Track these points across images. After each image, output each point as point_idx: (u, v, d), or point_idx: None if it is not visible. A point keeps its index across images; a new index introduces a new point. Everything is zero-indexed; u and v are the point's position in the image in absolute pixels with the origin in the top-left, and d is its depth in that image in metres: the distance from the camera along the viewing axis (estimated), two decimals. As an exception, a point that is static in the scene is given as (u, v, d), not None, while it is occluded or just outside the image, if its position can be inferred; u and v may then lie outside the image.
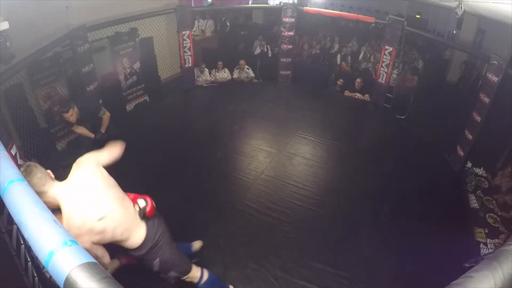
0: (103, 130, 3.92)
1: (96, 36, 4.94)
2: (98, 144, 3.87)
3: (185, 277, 2.40)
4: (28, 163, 1.81)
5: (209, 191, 3.94)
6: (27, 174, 1.72)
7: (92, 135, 3.88)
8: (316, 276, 3.01)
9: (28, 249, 2.01)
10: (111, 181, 2.04)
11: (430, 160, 4.81)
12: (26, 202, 1.31)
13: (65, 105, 3.59)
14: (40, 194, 1.66)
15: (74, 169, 1.94)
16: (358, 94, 6.51)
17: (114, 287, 1.04)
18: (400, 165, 4.60)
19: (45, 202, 1.58)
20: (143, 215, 2.10)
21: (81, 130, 3.83)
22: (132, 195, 2.18)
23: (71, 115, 3.58)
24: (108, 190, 1.97)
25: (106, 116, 3.93)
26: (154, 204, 2.19)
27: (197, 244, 3.00)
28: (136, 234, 2.06)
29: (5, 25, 2.91)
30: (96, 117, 3.90)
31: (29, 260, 2.06)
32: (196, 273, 2.44)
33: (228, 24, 8.53)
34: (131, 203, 2.11)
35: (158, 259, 2.19)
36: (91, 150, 2.16)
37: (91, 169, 1.96)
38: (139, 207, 2.11)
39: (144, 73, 5.86)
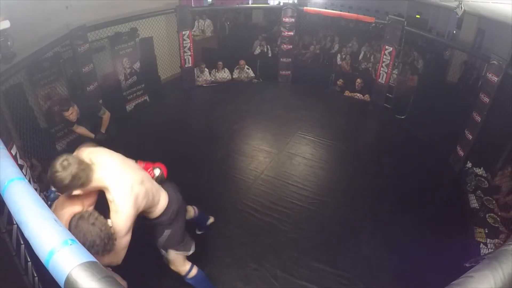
0: (103, 130, 3.93)
1: (96, 36, 4.94)
2: (98, 144, 3.89)
3: (173, 266, 2.44)
4: (65, 156, 1.68)
5: (209, 191, 3.94)
6: (67, 168, 1.63)
7: (92, 136, 3.88)
8: (316, 276, 3.01)
9: (28, 248, 2.01)
10: (115, 153, 2.03)
11: (430, 160, 4.81)
12: (26, 201, 1.31)
13: (65, 103, 3.60)
14: (87, 182, 1.69)
15: (90, 153, 1.86)
16: (358, 94, 6.51)
17: (114, 286, 1.04)
18: (400, 165, 4.60)
19: (90, 188, 1.72)
20: (161, 179, 2.24)
21: (81, 130, 3.83)
22: (143, 163, 2.31)
23: (71, 113, 3.59)
24: (127, 161, 2.02)
25: (106, 115, 3.93)
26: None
27: (211, 219, 3.31)
28: (161, 198, 2.13)
29: (6, 24, 2.92)
30: (96, 117, 3.90)
31: (29, 260, 2.06)
32: (185, 266, 2.46)
33: (227, 24, 8.52)
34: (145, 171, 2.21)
35: (170, 230, 2.27)
36: None
37: (103, 149, 1.97)
38: (155, 174, 2.27)
39: (144, 73, 5.86)
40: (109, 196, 1.79)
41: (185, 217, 2.48)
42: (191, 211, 2.96)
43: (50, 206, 1.90)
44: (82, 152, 1.87)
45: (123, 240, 1.79)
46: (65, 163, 1.63)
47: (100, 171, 1.77)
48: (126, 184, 1.81)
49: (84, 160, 1.73)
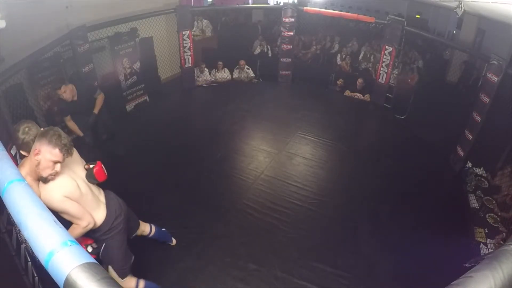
0: (96, 111, 3.89)
1: (96, 36, 4.94)
2: (91, 125, 3.92)
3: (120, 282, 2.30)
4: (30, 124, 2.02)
5: (209, 191, 3.94)
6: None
7: (81, 134, 3.86)
8: (316, 276, 3.00)
9: (28, 249, 2.01)
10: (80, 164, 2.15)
11: (430, 160, 4.80)
12: (25, 202, 1.31)
13: (58, 81, 3.56)
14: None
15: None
16: (358, 94, 6.50)
17: (114, 287, 1.04)
18: (400, 165, 4.60)
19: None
20: (91, 175, 2.12)
21: (72, 125, 3.79)
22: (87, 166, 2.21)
23: (64, 91, 3.55)
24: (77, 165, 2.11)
25: (100, 97, 3.91)
26: (104, 168, 2.20)
27: (173, 242, 3.13)
28: (96, 215, 2.10)
29: (1, 24, 2.91)
30: (92, 101, 3.87)
31: (29, 260, 2.06)
32: (131, 284, 2.37)
33: (223, 20, 8.48)
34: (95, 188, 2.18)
35: (104, 245, 2.19)
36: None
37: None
38: (89, 167, 2.14)
39: (144, 73, 5.86)
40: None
41: (125, 243, 2.33)
42: (146, 228, 2.77)
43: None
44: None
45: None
46: (27, 129, 1.98)
47: None
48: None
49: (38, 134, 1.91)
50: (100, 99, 3.92)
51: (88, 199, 2.06)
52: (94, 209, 2.09)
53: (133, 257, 2.40)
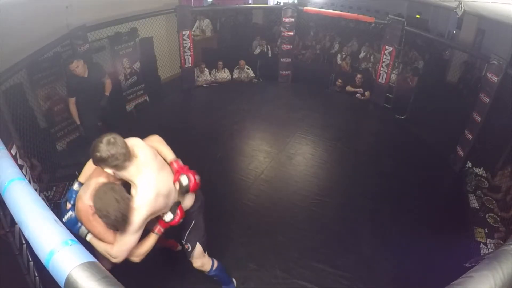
0: (107, 93, 4.06)
1: (96, 36, 4.94)
2: (103, 108, 4.09)
3: (199, 263, 2.47)
4: (115, 135, 1.74)
5: (209, 191, 3.91)
6: (111, 145, 1.68)
7: (78, 122, 3.96)
8: (316, 276, 3.01)
9: (30, 248, 2.02)
10: (159, 156, 2.04)
11: (430, 160, 4.81)
12: (26, 201, 1.31)
13: (70, 57, 3.73)
14: (121, 168, 1.74)
15: (135, 145, 1.88)
16: (359, 89, 6.45)
17: (114, 286, 1.04)
18: (400, 165, 4.60)
19: (120, 175, 1.78)
20: (186, 190, 2.10)
21: (73, 109, 3.84)
22: (177, 165, 2.11)
23: (77, 66, 3.68)
24: (164, 167, 2.01)
25: (109, 81, 4.08)
26: (197, 179, 2.13)
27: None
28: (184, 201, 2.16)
29: None
30: (100, 84, 4.02)
31: (30, 259, 2.07)
32: (209, 258, 2.55)
33: (223, 20, 8.50)
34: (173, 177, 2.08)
35: (194, 221, 2.32)
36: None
37: (149, 147, 1.98)
38: (181, 184, 2.07)
39: (144, 73, 5.85)
40: (133, 191, 1.81)
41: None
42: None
43: (71, 205, 1.94)
44: (130, 140, 1.89)
45: (128, 237, 1.79)
46: (112, 140, 1.70)
47: (136, 167, 1.80)
48: (153, 191, 1.82)
49: (127, 147, 1.76)
50: (109, 83, 4.07)
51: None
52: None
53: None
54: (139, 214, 1.76)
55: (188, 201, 2.23)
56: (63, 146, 4.61)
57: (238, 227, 3.47)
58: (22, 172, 1.65)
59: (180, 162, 2.13)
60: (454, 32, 8.49)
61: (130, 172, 1.78)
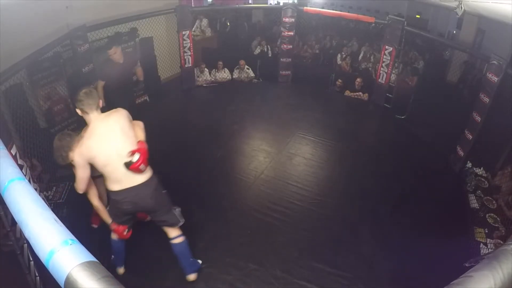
0: (141, 79, 4.48)
1: (96, 36, 4.94)
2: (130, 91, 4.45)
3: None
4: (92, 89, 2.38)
5: (209, 191, 3.94)
6: (85, 94, 2.21)
7: (102, 104, 4.09)
8: (316, 276, 3.00)
9: (30, 248, 2.02)
10: (130, 136, 2.33)
11: (430, 160, 4.81)
12: (26, 201, 1.31)
13: (110, 43, 4.03)
14: (84, 113, 2.23)
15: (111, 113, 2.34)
16: (358, 93, 6.47)
17: (114, 286, 1.04)
18: (400, 165, 4.60)
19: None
20: (128, 165, 2.26)
21: (100, 90, 3.95)
22: (139, 146, 2.34)
23: (115, 52, 3.87)
24: (123, 136, 2.29)
25: (140, 69, 4.43)
26: (143, 161, 2.29)
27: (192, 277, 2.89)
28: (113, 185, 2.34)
29: None
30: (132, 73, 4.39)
31: (31, 259, 2.07)
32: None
33: (228, 24, 8.52)
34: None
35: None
36: None
37: (121, 118, 2.33)
38: (131, 160, 2.27)
39: (144, 73, 5.84)
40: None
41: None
42: (173, 233, 2.80)
43: None
44: (119, 110, 2.41)
45: (77, 172, 2.31)
46: (88, 91, 2.26)
47: (92, 120, 2.26)
48: (86, 143, 2.23)
49: (96, 102, 2.27)
50: (140, 70, 4.39)
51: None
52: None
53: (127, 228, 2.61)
54: (76, 155, 2.26)
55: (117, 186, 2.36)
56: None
57: (238, 227, 3.47)
58: (22, 172, 1.65)
59: (144, 145, 2.38)
60: (454, 32, 8.49)
61: (87, 120, 2.27)
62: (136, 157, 2.24)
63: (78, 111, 2.24)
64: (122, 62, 4.03)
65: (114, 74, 3.97)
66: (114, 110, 2.38)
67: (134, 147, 2.28)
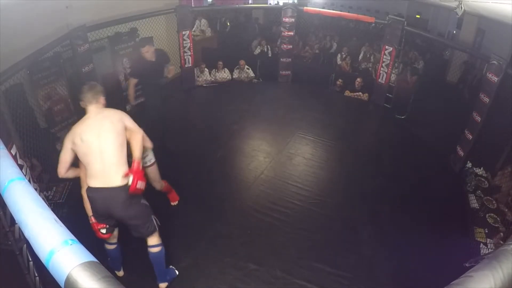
0: (169, 75, 4.38)
1: (96, 36, 4.94)
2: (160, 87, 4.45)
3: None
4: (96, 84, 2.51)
5: (209, 191, 3.94)
6: (88, 86, 2.42)
7: (132, 101, 4.39)
8: (316, 276, 3.00)
9: (30, 248, 2.02)
10: (119, 137, 2.32)
11: (430, 160, 4.81)
12: (26, 201, 1.31)
13: (143, 42, 4.10)
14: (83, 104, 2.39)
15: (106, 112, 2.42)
16: (358, 93, 6.47)
17: (114, 286, 1.04)
18: (400, 165, 4.60)
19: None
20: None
21: (132, 88, 4.13)
22: (134, 166, 2.31)
23: (147, 51, 3.89)
24: (113, 134, 2.30)
25: (172, 66, 4.42)
26: (139, 185, 2.28)
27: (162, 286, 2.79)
28: (93, 177, 2.29)
29: None
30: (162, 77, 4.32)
31: (30, 259, 2.07)
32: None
33: (228, 24, 8.53)
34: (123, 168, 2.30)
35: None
36: None
37: (115, 118, 2.39)
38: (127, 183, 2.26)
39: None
40: None
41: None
42: (152, 241, 2.73)
43: None
44: (118, 112, 2.49)
45: (61, 153, 2.38)
46: (92, 85, 2.47)
47: (88, 112, 2.39)
48: (72, 132, 2.32)
49: (96, 96, 2.40)
50: (172, 69, 4.40)
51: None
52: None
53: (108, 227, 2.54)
54: (65, 138, 2.36)
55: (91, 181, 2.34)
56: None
57: (238, 227, 3.47)
58: (22, 172, 1.65)
59: (139, 165, 2.35)
60: (454, 32, 8.49)
61: (86, 112, 2.40)
62: (130, 180, 2.25)
63: (81, 103, 2.41)
64: (154, 60, 4.04)
65: (146, 72, 4.02)
66: (112, 109, 2.47)
67: (120, 149, 2.30)
